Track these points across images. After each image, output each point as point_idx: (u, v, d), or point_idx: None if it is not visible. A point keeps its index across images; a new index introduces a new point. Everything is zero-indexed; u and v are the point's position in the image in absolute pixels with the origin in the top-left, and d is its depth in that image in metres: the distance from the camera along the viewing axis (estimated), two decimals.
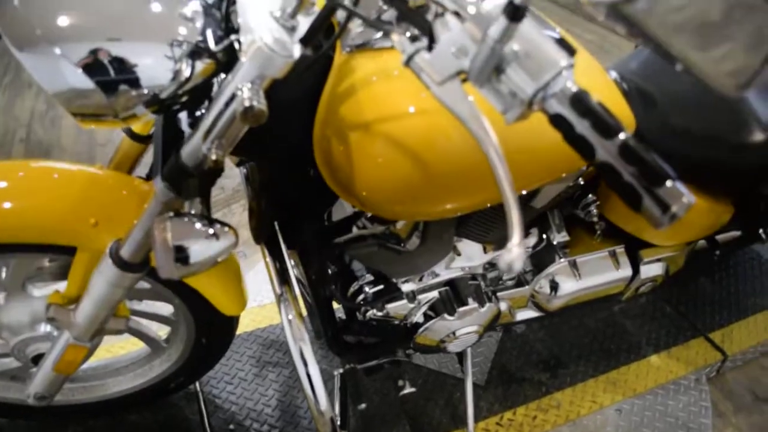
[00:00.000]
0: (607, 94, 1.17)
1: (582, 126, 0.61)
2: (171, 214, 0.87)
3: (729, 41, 0.50)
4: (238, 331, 1.78)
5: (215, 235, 0.87)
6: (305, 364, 1.10)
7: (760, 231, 1.61)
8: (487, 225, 1.27)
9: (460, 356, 1.58)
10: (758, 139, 1.38)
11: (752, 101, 1.41)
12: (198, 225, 0.86)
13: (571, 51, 0.63)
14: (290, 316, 1.11)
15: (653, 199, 0.59)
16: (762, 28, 0.48)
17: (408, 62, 0.68)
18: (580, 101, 0.61)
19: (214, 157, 0.84)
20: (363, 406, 1.31)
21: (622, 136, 0.60)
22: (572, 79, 0.62)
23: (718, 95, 0.54)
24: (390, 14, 0.79)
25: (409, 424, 1.35)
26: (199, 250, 0.86)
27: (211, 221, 0.88)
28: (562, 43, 0.63)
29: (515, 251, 0.57)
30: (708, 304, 2.03)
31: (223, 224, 0.89)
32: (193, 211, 0.87)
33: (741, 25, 0.49)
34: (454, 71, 0.65)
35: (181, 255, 0.86)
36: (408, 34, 0.71)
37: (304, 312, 1.43)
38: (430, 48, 0.69)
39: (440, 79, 0.65)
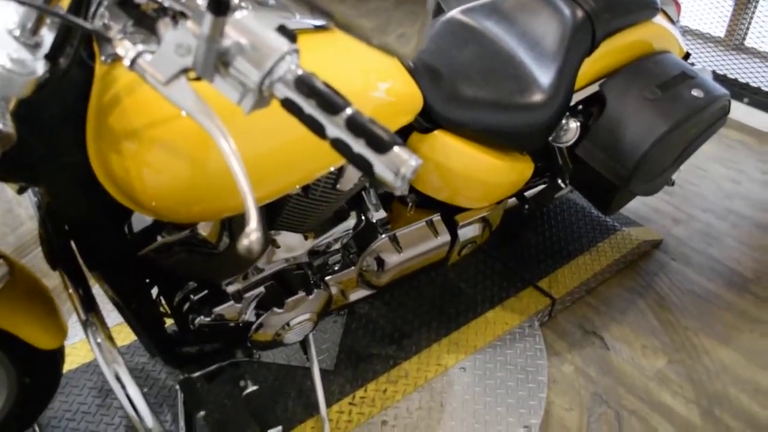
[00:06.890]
0: (394, 73, 1.23)
1: (309, 106, 0.64)
2: None
3: (385, 11, 0.54)
4: (76, 364, 1.71)
5: None
6: (123, 386, 1.08)
7: (559, 180, 1.76)
8: (302, 214, 1.29)
9: (304, 345, 1.60)
10: (539, 99, 1.50)
11: (530, 66, 1.53)
12: None
13: (292, 37, 0.66)
14: (99, 340, 1.08)
15: (384, 164, 0.63)
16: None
17: (132, 65, 0.68)
18: (304, 83, 0.64)
19: None
20: (201, 413, 1.30)
21: (348, 111, 0.63)
22: (296, 63, 0.65)
23: (397, 58, 0.58)
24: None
25: (257, 422, 1.36)
26: None
27: None
28: (284, 30, 0.66)
29: (253, 236, 0.59)
30: (534, 255, 2.19)
31: None
32: None
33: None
34: (178, 69, 0.66)
35: None
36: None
37: (131, 335, 1.39)
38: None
39: (165, 78, 0.66)
